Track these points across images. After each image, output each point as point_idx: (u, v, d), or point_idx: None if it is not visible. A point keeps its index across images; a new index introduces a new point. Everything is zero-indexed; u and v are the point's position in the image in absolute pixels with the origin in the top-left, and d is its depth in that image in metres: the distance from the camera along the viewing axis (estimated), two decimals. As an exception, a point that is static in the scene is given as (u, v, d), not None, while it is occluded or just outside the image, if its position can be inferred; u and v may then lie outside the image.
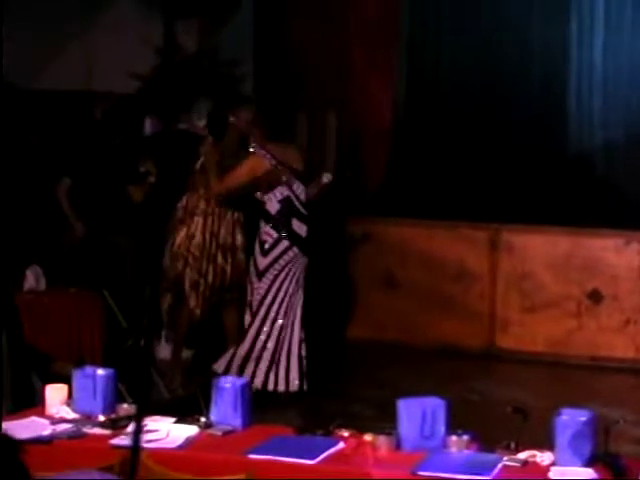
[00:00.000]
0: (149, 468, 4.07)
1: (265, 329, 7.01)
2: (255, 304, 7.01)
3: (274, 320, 7.01)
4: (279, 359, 7.03)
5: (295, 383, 7.03)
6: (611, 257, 8.36)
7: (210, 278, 7.31)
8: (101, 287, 7.17)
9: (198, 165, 7.34)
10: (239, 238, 7.38)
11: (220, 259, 7.30)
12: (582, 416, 4.12)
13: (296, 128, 9.39)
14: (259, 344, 7.01)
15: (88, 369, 4.84)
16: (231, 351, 7.10)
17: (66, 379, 4.86)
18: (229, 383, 4.62)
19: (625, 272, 8.32)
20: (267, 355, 7.01)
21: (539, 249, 8.53)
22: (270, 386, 7.01)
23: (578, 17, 8.85)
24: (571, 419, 4.10)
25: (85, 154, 8.05)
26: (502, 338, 8.60)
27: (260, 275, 7.00)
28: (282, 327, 7.02)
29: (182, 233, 7.33)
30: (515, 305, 8.58)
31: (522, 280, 8.55)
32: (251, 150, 7.06)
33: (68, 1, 8.83)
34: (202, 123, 8.06)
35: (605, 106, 8.84)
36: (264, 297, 7.01)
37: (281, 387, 7.03)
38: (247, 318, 7.08)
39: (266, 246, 6.99)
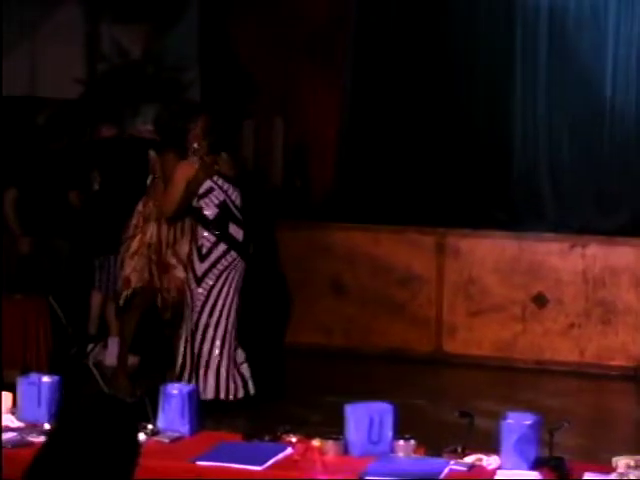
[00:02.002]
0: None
1: (208, 336, 6.97)
2: (197, 310, 6.96)
3: (216, 326, 6.98)
4: (225, 366, 7.00)
5: (240, 390, 7.02)
6: (556, 261, 8.45)
7: (173, 291, 7.22)
8: (47, 294, 7.11)
9: (149, 181, 7.25)
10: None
11: (179, 271, 7.19)
12: (527, 420, 4.15)
13: (243, 134, 9.39)
14: (205, 351, 6.97)
15: (33, 376, 4.79)
16: (179, 362, 7.03)
17: (10, 387, 4.81)
18: (176, 390, 4.60)
19: (569, 276, 8.41)
20: (213, 363, 6.98)
21: (485, 254, 8.59)
22: (221, 395, 6.98)
23: (523, 21, 8.93)
24: (516, 423, 4.13)
25: (30, 162, 7.99)
26: (449, 342, 8.65)
27: (199, 281, 6.94)
28: (225, 333, 6.99)
29: (137, 239, 7.23)
30: (461, 309, 8.63)
31: (468, 285, 8.60)
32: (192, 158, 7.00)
33: (11, 6, 8.75)
34: (148, 127, 8.02)
35: (550, 112, 8.91)
36: (205, 303, 6.96)
37: (230, 395, 7.01)
38: (188, 326, 7.01)
39: (203, 250, 6.94)
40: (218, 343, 6.97)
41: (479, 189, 9.02)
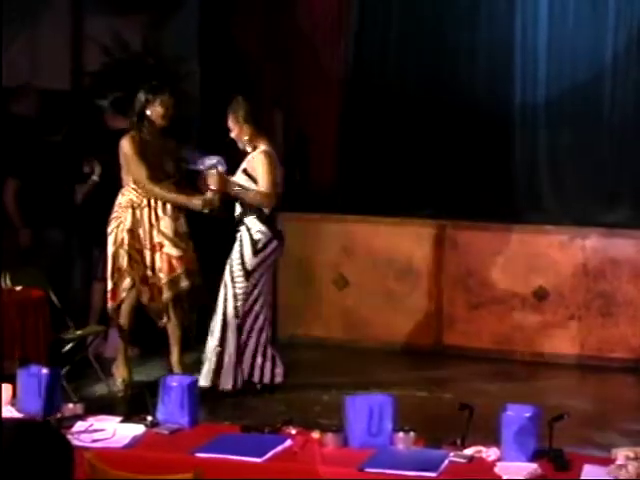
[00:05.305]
0: (95, 468, 4.04)
1: (256, 326, 7.05)
2: (241, 303, 7.00)
3: (258, 314, 7.06)
4: (264, 352, 7.11)
5: (279, 375, 7.18)
6: (556, 254, 8.44)
7: (160, 267, 7.22)
8: (46, 285, 7.10)
9: (121, 160, 7.29)
10: (183, 224, 7.32)
11: (168, 248, 7.22)
12: (527, 412, 4.15)
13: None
14: (252, 340, 7.07)
15: (33, 368, 4.79)
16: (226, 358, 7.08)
17: (10, 378, 4.81)
18: (176, 381, 4.61)
19: (569, 269, 8.40)
20: (260, 349, 7.08)
21: (485, 246, 8.59)
22: (255, 379, 7.12)
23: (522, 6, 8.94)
24: (516, 415, 4.13)
25: (31, 153, 7.98)
26: (448, 335, 8.65)
27: (248, 275, 7.01)
28: (265, 320, 7.08)
29: (119, 229, 7.24)
30: (461, 302, 8.63)
31: (468, 277, 8.60)
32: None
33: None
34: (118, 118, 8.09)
35: (549, 104, 8.91)
36: (250, 294, 7.03)
37: (266, 380, 7.17)
38: (234, 318, 7.05)
39: (259, 245, 7.03)
40: (258, 329, 7.05)
41: (479, 181, 9.01)
